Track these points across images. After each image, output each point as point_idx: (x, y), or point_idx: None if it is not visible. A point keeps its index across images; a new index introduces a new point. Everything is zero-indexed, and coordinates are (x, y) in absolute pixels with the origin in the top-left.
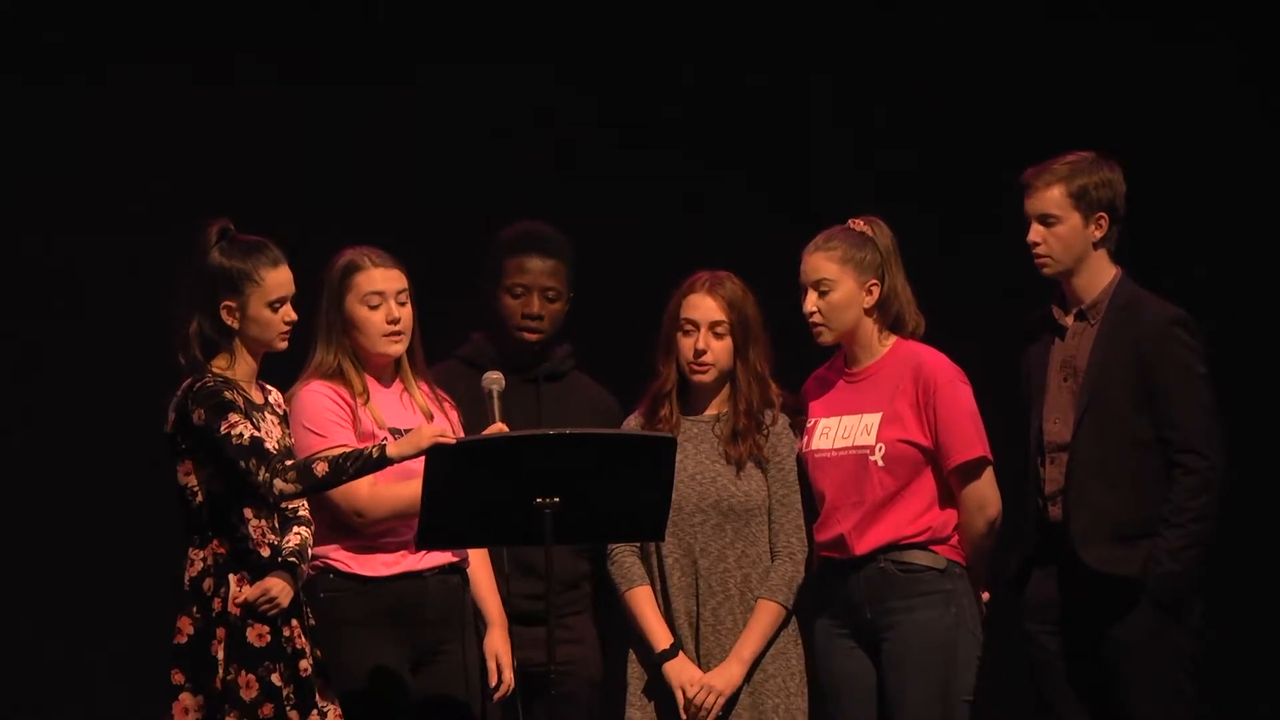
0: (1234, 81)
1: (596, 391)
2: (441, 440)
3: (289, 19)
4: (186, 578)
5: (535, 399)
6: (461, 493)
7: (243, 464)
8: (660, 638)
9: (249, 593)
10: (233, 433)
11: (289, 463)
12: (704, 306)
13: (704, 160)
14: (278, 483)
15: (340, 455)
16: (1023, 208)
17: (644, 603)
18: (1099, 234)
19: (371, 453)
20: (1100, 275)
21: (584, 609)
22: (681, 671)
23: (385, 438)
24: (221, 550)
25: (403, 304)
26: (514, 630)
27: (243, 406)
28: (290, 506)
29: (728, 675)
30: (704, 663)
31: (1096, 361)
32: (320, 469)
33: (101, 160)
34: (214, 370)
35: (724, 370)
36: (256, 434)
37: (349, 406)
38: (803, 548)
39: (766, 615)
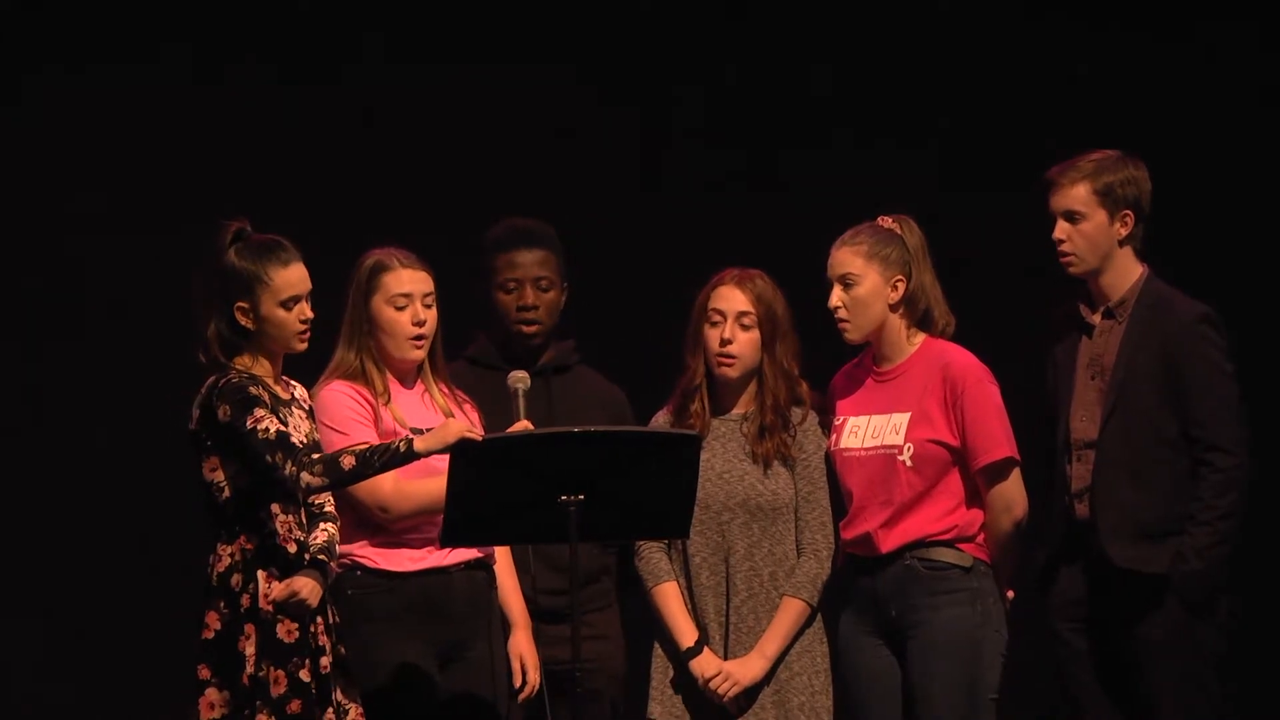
0: (1258, 77)
1: (604, 385)
2: (469, 436)
3: (290, 21)
4: (214, 573)
5: (546, 392)
6: (486, 490)
7: (269, 458)
8: (686, 633)
9: (276, 592)
10: (258, 427)
11: (315, 456)
12: (732, 297)
13: (711, 154)
14: (305, 476)
15: (367, 449)
16: (1047, 205)
17: (670, 598)
18: (1124, 232)
19: (399, 447)
20: (1127, 273)
21: (606, 605)
22: (706, 666)
23: (407, 437)
24: (249, 546)
25: (429, 306)
26: (537, 628)
27: (268, 401)
28: (316, 502)
29: (749, 668)
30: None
31: (1124, 359)
32: (348, 462)
33: (125, 156)
34: (237, 367)
35: (749, 365)
36: (283, 428)
37: (370, 405)
38: (828, 545)
39: (791, 612)
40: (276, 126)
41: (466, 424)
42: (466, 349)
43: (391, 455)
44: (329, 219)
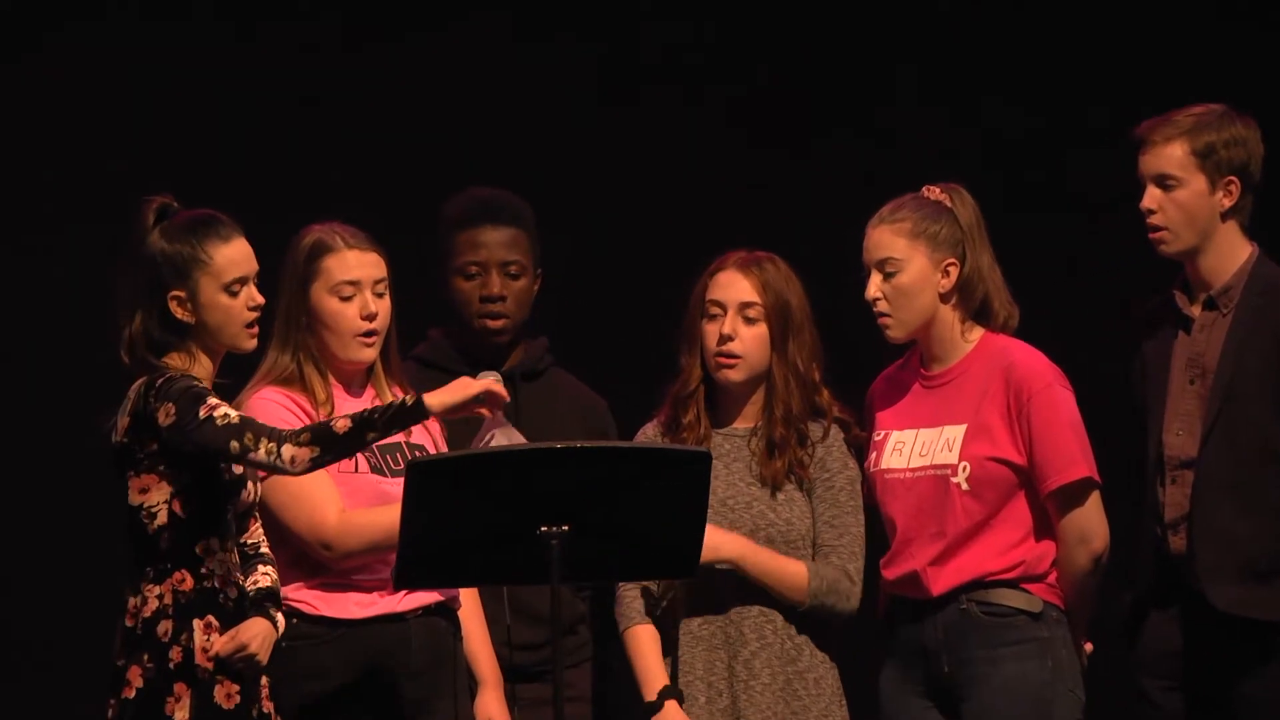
0: None
1: (581, 392)
2: (494, 390)
3: None
4: (138, 620)
5: (513, 401)
6: (449, 519)
7: (236, 445)
8: (652, 683)
9: (220, 645)
10: (215, 414)
11: (298, 427)
12: (734, 286)
13: (706, 137)
14: (288, 449)
15: (364, 410)
16: (1137, 168)
17: (643, 642)
18: (1228, 202)
19: (405, 401)
20: (1232, 254)
21: (582, 659)
22: None
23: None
24: (184, 588)
25: (380, 295)
26: (508, 689)
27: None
28: (250, 542)
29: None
30: None
31: (1229, 360)
32: (342, 425)
33: (31, 144)
34: (172, 365)
35: (756, 367)
36: (243, 413)
37: (309, 418)
38: (858, 572)
39: (786, 564)
40: (209, 86)
41: (493, 378)
42: (416, 348)
43: (398, 412)
44: (260, 191)
